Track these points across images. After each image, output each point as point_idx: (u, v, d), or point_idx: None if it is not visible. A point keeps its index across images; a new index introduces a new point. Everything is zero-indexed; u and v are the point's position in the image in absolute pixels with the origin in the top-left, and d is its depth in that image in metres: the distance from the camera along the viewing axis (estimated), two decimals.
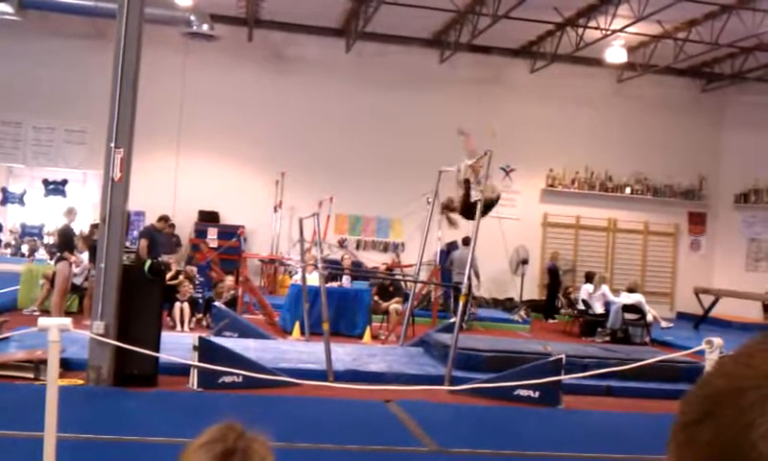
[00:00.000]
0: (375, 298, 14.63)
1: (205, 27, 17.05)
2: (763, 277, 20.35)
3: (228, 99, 18.82)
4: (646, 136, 20.68)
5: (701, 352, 6.38)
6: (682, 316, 19.63)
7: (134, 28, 8.46)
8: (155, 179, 17.59)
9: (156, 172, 17.88)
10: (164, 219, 14.61)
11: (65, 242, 12.52)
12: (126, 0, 8.40)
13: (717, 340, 5.92)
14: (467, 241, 16.04)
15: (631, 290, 15.75)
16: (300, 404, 7.92)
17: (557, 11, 16.60)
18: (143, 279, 8.48)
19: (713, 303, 17.68)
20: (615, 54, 18.23)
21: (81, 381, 8.06)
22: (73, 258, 12.50)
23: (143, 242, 13.49)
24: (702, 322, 17.44)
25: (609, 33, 16.97)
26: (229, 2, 17.77)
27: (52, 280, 12.53)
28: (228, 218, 18.86)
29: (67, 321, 4.91)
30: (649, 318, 15.30)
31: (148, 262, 8.82)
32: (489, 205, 10.59)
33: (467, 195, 10.61)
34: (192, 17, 16.87)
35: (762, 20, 15.30)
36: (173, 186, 18.51)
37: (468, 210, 10.66)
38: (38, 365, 8.08)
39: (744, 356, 0.68)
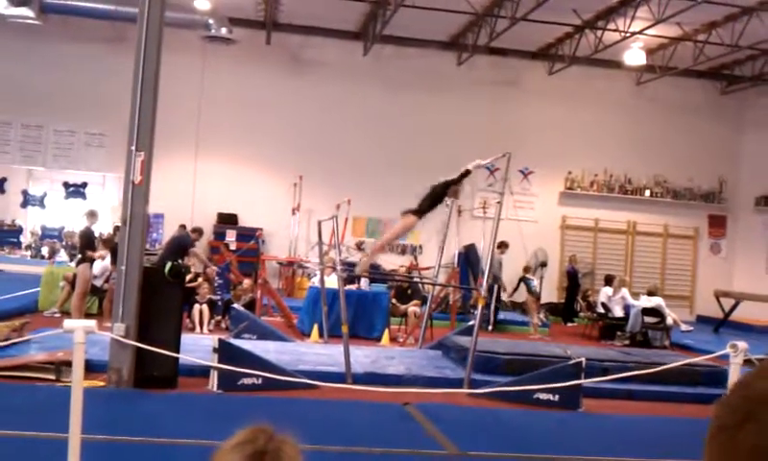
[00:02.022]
0: (393, 300, 14.62)
1: (224, 30, 17.14)
2: None
3: (247, 102, 18.89)
4: (665, 139, 20.55)
5: (724, 357, 6.32)
6: (702, 319, 19.48)
7: (155, 32, 8.50)
8: (174, 181, 17.68)
9: (176, 174, 17.98)
10: (198, 231, 14.60)
11: (86, 244, 12.59)
12: (146, 4, 8.45)
13: (742, 344, 5.87)
14: (501, 245, 16.02)
15: (650, 293, 15.64)
16: (320, 406, 7.92)
17: (575, 13, 16.54)
18: (163, 281, 8.52)
19: (734, 307, 17.54)
20: (634, 56, 18.13)
21: (101, 383, 8.10)
22: (97, 254, 12.58)
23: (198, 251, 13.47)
24: (722, 325, 17.31)
25: (628, 35, 16.89)
26: (248, 5, 17.84)
27: (72, 282, 12.61)
28: (246, 220, 18.92)
29: (92, 323, 4.95)
30: (669, 321, 15.19)
31: (168, 264, 8.85)
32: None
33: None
34: (211, 21, 16.96)
35: None
36: (192, 189, 18.61)
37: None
38: (60, 367, 8.14)
39: None
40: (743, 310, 17.62)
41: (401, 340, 13.31)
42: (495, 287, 16.15)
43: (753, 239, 21.12)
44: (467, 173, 10.44)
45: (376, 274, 16.05)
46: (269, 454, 1.48)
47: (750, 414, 0.65)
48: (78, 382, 4.51)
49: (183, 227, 15.23)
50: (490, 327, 15.49)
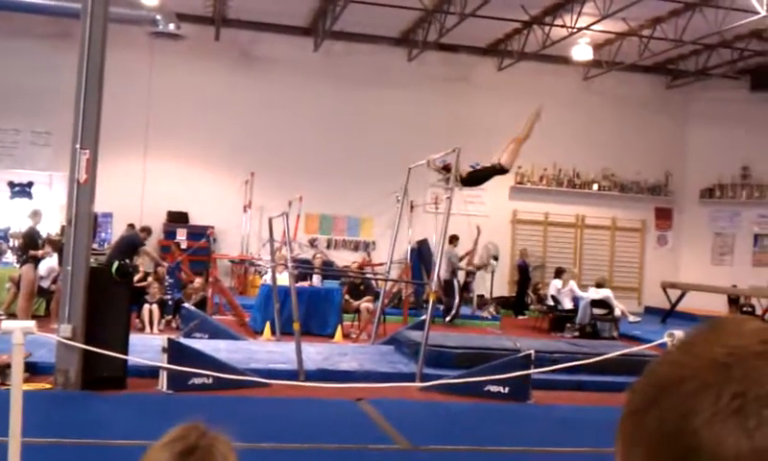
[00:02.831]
0: (346, 297, 14.63)
1: (172, 26, 16.93)
2: (728, 270, 20.69)
3: (196, 99, 18.70)
4: (613, 133, 20.90)
5: (664, 345, 6.49)
6: (649, 310, 19.87)
7: (99, 27, 8.38)
8: (122, 180, 17.44)
9: (124, 173, 17.73)
10: (147, 230, 14.42)
11: (29, 244, 12.37)
12: (90, 0, 8.31)
13: (678, 333, 6.01)
14: (451, 240, 16.20)
15: (599, 285, 15.91)
16: (271, 404, 7.91)
17: (523, 9, 16.71)
18: (110, 281, 8.41)
19: (680, 298, 17.92)
20: (581, 51, 18.40)
21: (48, 385, 7.97)
22: (40, 253, 12.35)
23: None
24: (669, 316, 17.66)
25: (575, 31, 17.14)
26: (196, 1, 17.65)
27: (18, 284, 12.36)
28: (197, 219, 18.73)
29: (31, 324, 4.86)
30: (617, 313, 15.47)
31: (115, 264, 8.73)
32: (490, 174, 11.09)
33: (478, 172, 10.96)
34: (158, 17, 16.74)
35: (725, 17, 15.53)
36: (141, 187, 18.36)
37: (472, 180, 11.00)
38: (4, 369, 7.97)
39: (687, 345, 0.69)
40: (689, 301, 18.01)
41: (354, 336, 13.32)
42: (456, 281, 16.29)
43: (698, 231, 21.61)
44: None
45: (329, 270, 16.05)
46: (200, 450, 1.49)
47: (652, 400, 0.67)
48: (17, 384, 4.43)
49: (132, 226, 15.03)
50: (447, 319, 15.60)
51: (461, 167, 10.84)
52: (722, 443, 0.62)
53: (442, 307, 15.71)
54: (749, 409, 0.62)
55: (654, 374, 0.69)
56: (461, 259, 16.99)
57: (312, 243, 19.31)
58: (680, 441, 0.64)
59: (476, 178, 11.07)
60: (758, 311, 18.79)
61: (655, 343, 8.10)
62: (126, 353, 7.99)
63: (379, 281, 14.56)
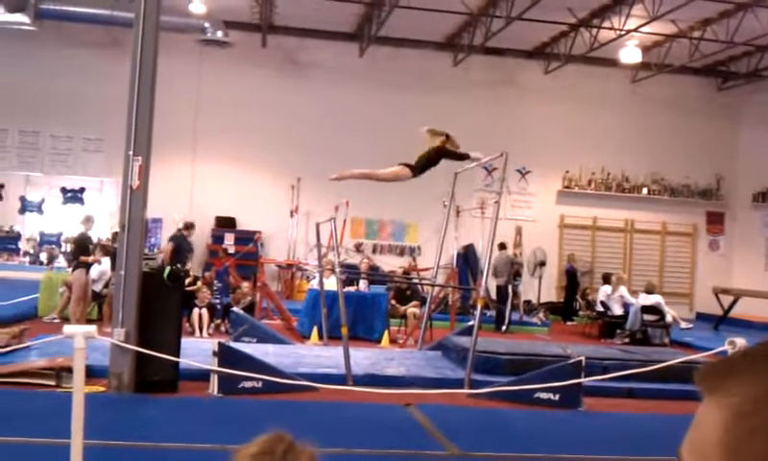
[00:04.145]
0: (393, 302, 14.62)
1: (220, 34, 17.15)
2: None
3: (243, 105, 18.89)
4: (662, 136, 20.57)
5: (723, 353, 6.34)
6: (701, 317, 19.50)
7: (151, 36, 8.50)
8: (171, 185, 17.68)
9: (173, 178, 17.97)
10: (190, 226, 14.60)
11: (81, 250, 12.60)
12: (142, 9, 8.45)
13: (740, 340, 5.88)
14: (502, 246, 16.14)
15: (648, 291, 15.65)
16: (320, 408, 7.92)
17: (570, 11, 16.57)
18: (162, 285, 8.53)
19: (733, 303, 17.55)
20: (630, 54, 18.16)
21: (102, 388, 8.10)
22: (92, 259, 12.57)
23: (169, 246, 13.45)
24: (722, 322, 17.31)
25: (623, 33, 16.92)
26: (243, 8, 17.84)
27: (71, 288, 12.60)
28: (244, 224, 18.92)
29: (92, 328, 4.95)
30: (668, 319, 15.20)
31: (167, 269, 8.85)
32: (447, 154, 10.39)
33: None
34: (206, 24, 16.97)
35: None
36: (189, 192, 18.61)
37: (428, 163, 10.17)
38: (60, 372, 8.13)
39: None
40: (742, 307, 17.63)
41: (401, 341, 13.31)
42: (510, 287, 16.18)
43: (751, 235, 21.14)
44: (465, 156, 10.47)
45: (376, 275, 16.05)
46: None
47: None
48: (79, 387, 4.51)
49: (190, 225, 15.15)
50: (503, 328, 15.50)
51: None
52: None
53: (490, 314, 15.61)
54: None
55: None
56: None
57: (358, 248, 19.35)
58: None
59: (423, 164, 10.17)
60: None
61: (714, 351, 7.90)
62: (177, 357, 8.08)
63: (426, 286, 14.52)
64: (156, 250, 16.91)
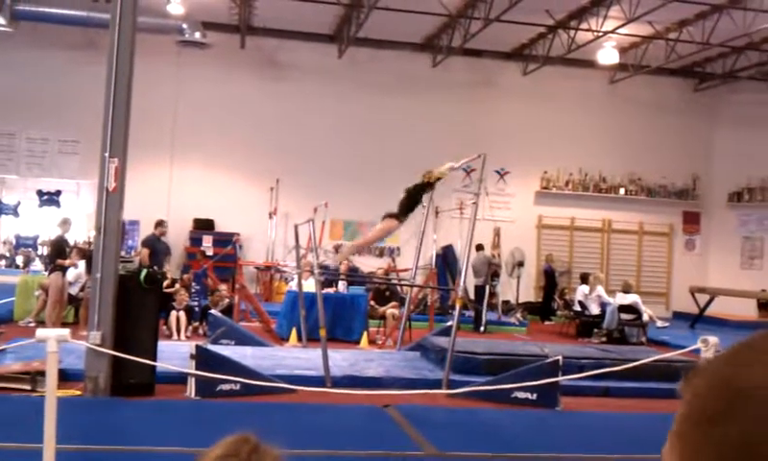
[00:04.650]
0: (372, 303, 14.63)
1: (198, 35, 17.08)
2: (758, 274, 20.43)
3: (222, 106, 18.83)
4: (639, 137, 20.73)
5: (697, 352, 6.41)
6: (678, 315, 19.68)
7: (127, 37, 8.45)
8: (149, 187, 17.58)
9: (151, 180, 17.88)
10: (159, 223, 14.59)
11: (57, 253, 12.50)
12: (118, 10, 8.39)
13: (712, 339, 5.95)
14: (480, 247, 16.22)
15: (626, 290, 15.78)
16: (299, 411, 7.91)
17: (548, 13, 16.66)
18: (139, 288, 8.47)
19: (709, 302, 17.73)
20: (607, 55, 18.30)
21: (78, 392, 8.04)
22: (68, 262, 12.48)
23: (144, 251, 13.46)
24: (698, 321, 17.48)
25: (600, 34, 17.04)
26: (221, 9, 17.78)
27: (47, 291, 12.50)
28: (223, 226, 18.85)
29: (65, 332, 4.91)
30: (645, 318, 15.33)
31: (144, 271, 8.80)
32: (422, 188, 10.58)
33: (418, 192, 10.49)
34: (184, 25, 16.90)
35: (753, 19, 15.36)
36: (167, 194, 18.51)
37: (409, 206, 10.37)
38: (35, 376, 8.06)
39: (761, 345, 0.66)
40: (718, 305, 17.82)
41: (380, 342, 13.32)
42: (487, 288, 16.25)
43: (727, 235, 21.37)
44: (437, 179, 10.61)
45: (355, 276, 16.06)
46: None
47: (731, 406, 0.63)
48: (52, 391, 4.48)
49: (160, 223, 15.11)
50: (481, 329, 15.56)
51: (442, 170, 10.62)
52: None
53: (468, 314, 15.67)
54: None
55: (722, 377, 0.65)
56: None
57: (337, 249, 19.33)
58: (763, 451, 0.60)
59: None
60: None
61: (688, 349, 7.99)
62: (154, 360, 8.03)
63: (405, 287, 14.55)
64: (132, 252, 16.81)
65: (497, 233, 18.37)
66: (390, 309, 14.60)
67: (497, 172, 19.73)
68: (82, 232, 16.74)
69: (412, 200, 10.23)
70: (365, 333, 13.24)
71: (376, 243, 11.02)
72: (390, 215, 10.23)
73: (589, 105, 20.53)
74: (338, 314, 13.47)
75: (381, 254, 19.78)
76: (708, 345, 5.75)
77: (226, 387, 8.23)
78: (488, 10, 15.80)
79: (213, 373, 8.06)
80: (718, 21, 16.07)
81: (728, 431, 0.62)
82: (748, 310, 18.88)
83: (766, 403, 0.61)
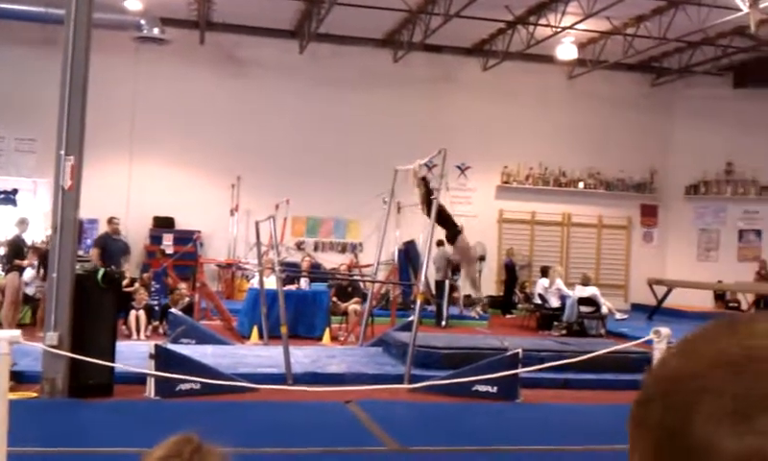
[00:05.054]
0: (334, 299, 14.63)
1: (156, 31, 16.89)
2: (714, 266, 20.82)
3: (182, 103, 18.65)
4: (598, 131, 20.98)
5: (650, 342, 6.54)
6: (636, 307, 19.96)
7: (83, 33, 8.35)
8: (108, 185, 17.37)
9: (110, 178, 17.66)
10: (110, 221, 14.45)
11: (15, 253, 12.31)
12: (73, 6, 8.29)
13: (665, 330, 6.08)
14: (440, 243, 16.27)
15: (584, 283, 15.98)
16: (259, 409, 7.90)
17: (508, 9, 16.77)
18: (97, 287, 8.37)
19: (666, 294, 18.02)
20: (566, 50, 18.47)
21: (35, 394, 7.93)
22: (26, 262, 12.30)
23: (94, 251, 13.35)
24: (656, 312, 17.74)
25: (559, 30, 17.22)
26: (180, 5, 17.60)
27: (3, 292, 12.30)
28: (183, 223, 18.69)
29: (17, 333, 4.85)
30: (604, 310, 15.54)
31: (101, 271, 8.70)
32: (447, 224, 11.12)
33: (428, 192, 10.95)
34: (142, 21, 16.70)
35: (708, 15, 15.63)
36: (126, 192, 18.31)
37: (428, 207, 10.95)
38: None
39: (701, 340, 0.69)
40: (675, 297, 18.12)
41: (342, 338, 13.33)
42: (446, 282, 16.35)
43: (683, 227, 21.74)
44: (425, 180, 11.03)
45: (317, 273, 16.05)
46: None
47: (659, 392, 0.67)
48: (3, 393, 4.42)
49: (109, 220, 14.97)
50: (443, 323, 15.64)
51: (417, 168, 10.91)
52: (714, 443, 0.62)
53: (430, 309, 15.75)
54: (745, 411, 0.61)
55: (665, 366, 0.69)
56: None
57: (299, 246, 19.31)
58: (678, 437, 0.64)
59: (439, 216, 10.83)
60: (744, 306, 18.95)
61: (641, 340, 8.14)
62: (113, 360, 7.96)
63: (367, 283, 14.57)
64: (90, 251, 16.59)
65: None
66: (352, 305, 14.62)
67: (458, 167, 19.83)
68: (39, 232, 16.47)
69: (431, 205, 10.68)
70: (327, 330, 13.24)
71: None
72: (455, 234, 11.27)
73: (549, 100, 20.72)
74: (300, 311, 13.45)
75: (344, 250, 19.79)
76: (661, 336, 5.87)
77: (186, 387, 8.18)
78: (448, 5, 15.86)
79: (173, 372, 8.01)
80: (674, 17, 16.33)
81: (653, 415, 0.66)
82: (705, 301, 19.24)
83: (685, 392, 0.65)
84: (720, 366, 0.65)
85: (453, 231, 11.36)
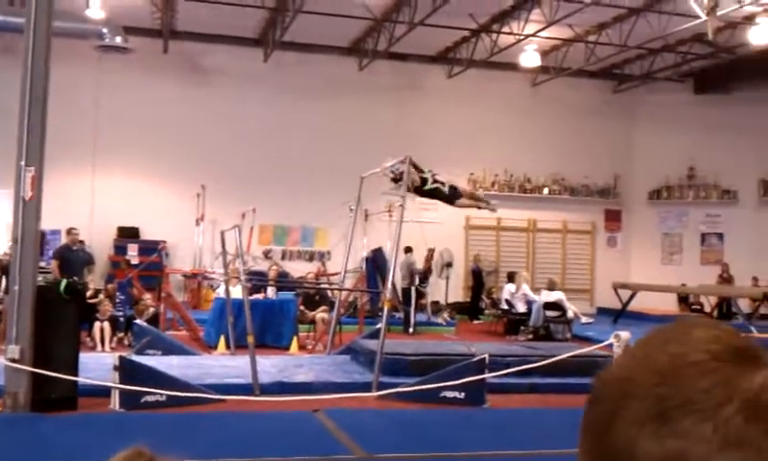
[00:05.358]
0: (302, 308, 14.58)
1: (119, 39, 16.73)
2: (677, 269, 21.13)
3: (145, 112, 18.50)
4: (562, 138, 21.20)
5: (611, 346, 6.62)
6: (602, 311, 20.15)
7: (43, 42, 8.25)
8: (71, 195, 17.17)
9: (73, 188, 17.46)
10: (69, 231, 14.31)
11: None
12: (33, 14, 8.18)
13: (624, 334, 6.18)
14: (408, 249, 16.35)
15: (551, 288, 16.12)
16: (226, 420, 7.84)
17: (471, 17, 16.90)
18: (59, 299, 8.26)
19: (631, 298, 18.23)
20: (529, 58, 18.66)
21: None
22: None
23: (53, 263, 13.21)
24: (621, 316, 17.93)
25: (522, 38, 17.39)
26: (143, 14, 17.46)
27: None
28: (148, 233, 18.52)
29: None
30: (570, 314, 15.69)
31: (64, 282, 8.59)
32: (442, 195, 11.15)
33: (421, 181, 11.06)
34: (104, 30, 16.53)
35: (668, 22, 15.90)
36: (90, 202, 18.10)
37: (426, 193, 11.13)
38: None
39: (638, 347, 0.71)
40: (640, 300, 18.34)
41: (310, 347, 13.29)
42: (413, 289, 16.39)
43: (647, 232, 22.04)
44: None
45: (284, 282, 15.98)
46: None
47: (598, 396, 0.69)
48: None
49: (68, 231, 14.84)
50: (410, 330, 15.66)
51: (413, 173, 10.87)
52: (637, 446, 0.64)
53: (398, 316, 15.76)
54: (667, 416, 0.63)
55: (607, 371, 0.72)
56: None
57: (266, 255, 19.20)
58: (604, 439, 0.66)
59: (430, 192, 11.08)
60: (707, 309, 19.24)
61: (603, 344, 8.24)
62: (76, 373, 7.86)
63: (334, 291, 14.55)
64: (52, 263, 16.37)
65: (430, 255, 18.45)
66: (320, 314, 14.57)
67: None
68: (1, 243, 16.21)
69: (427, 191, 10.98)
70: (295, 339, 13.19)
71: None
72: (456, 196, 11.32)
73: (513, 107, 20.89)
74: (267, 320, 13.38)
75: (312, 259, 19.75)
76: (621, 339, 5.96)
77: (151, 398, 8.09)
78: (412, 13, 15.95)
79: (138, 384, 7.92)
80: (635, 24, 16.58)
81: (591, 416, 0.69)
82: (669, 304, 19.50)
83: (616, 396, 0.67)
84: (647, 371, 0.67)
85: (455, 195, 11.49)
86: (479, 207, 12.13)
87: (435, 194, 11.23)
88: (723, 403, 0.63)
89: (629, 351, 0.72)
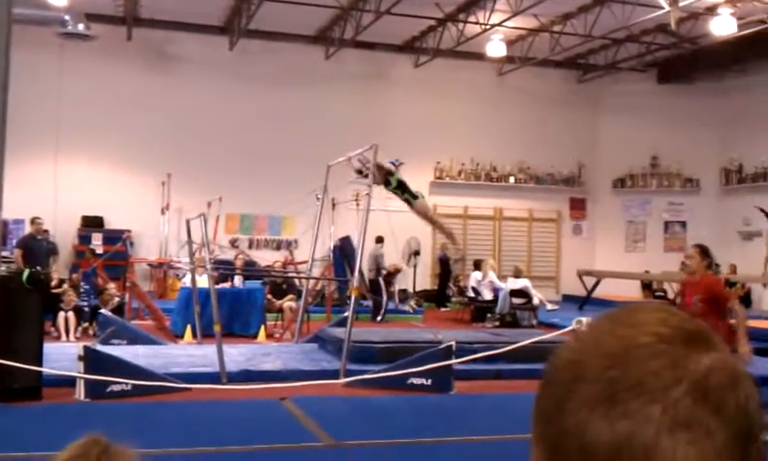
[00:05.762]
0: (269, 296, 14.54)
1: (81, 26, 16.49)
2: (641, 256, 21.43)
3: (109, 100, 18.28)
4: (528, 127, 21.34)
5: (571, 332, 6.73)
6: (567, 298, 20.40)
7: (3, 29, 8.12)
8: (34, 184, 16.93)
9: (35, 177, 17.22)
10: (32, 221, 14.14)
11: None
12: None
13: (585, 319, 6.27)
14: (379, 239, 16.38)
15: (517, 275, 16.27)
16: (192, 408, 7.83)
17: (438, 6, 16.93)
18: (22, 289, 8.16)
19: (595, 285, 18.45)
20: (495, 48, 18.74)
21: None
22: None
23: (17, 252, 13.04)
24: (586, 303, 18.15)
25: (488, 27, 17.45)
26: (106, 1, 17.23)
27: None
28: (113, 222, 18.33)
29: None
30: (535, 301, 15.85)
31: (26, 272, 8.48)
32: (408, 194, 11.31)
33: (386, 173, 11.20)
34: (66, 17, 16.28)
35: (632, 12, 16.06)
36: (53, 192, 17.85)
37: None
38: None
39: (587, 331, 0.73)
40: (605, 287, 18.56)
41: (278, 335, 13.29)
42: (381, 279, 16.44)
43: (611, 220, 22.30)
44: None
45: (251, 270, 15.92)
46: None
47: (548, 380, 0.71)
48: None
49: (32, 220, 14.66)
50: (379, 318, 15.71)
51: (382, 163, 10.95)
52: (586, 429, 0.65)
53: (366, 304, 15.81)
54: (617, 398, 0.65)
55: (557, 356, 0.73)
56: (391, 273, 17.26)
57: (233, 243, 19.11)
58: (556, 423, 0.68)
59: (393, 190, 11.27)
60: (671, 295, 19.52)
61: (565, 330, 8.35)
62: (40, 363, 7.78)
63: (302, 280, 14.54)
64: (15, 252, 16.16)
65: (411, 253, 18.65)
66: (287, 302, 14.56)
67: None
68: None
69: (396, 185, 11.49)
70: (262, 327, 13.17)
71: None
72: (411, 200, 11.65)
73: (479, 96, 20.99)
74: (235, 309, 13.35)
75: (279, 247, 19.69)
76: (582, 325, 6.05)
77: (116, 388, 8.05)
78: (379, 2, 15.93)
79: (103, 374, 7.87)
80: (599, 14, 16.72)
81: (542, 400, 0.71)
82: (633, 291, 19.77)
83: (565, 380, 0.69)
84: (597, 355, 0.68)
85: (412, 197, 11.67)
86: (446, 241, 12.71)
87: (396, 193, 11.37)
88: (671, 385, 0.64)
89: (578, 335, 0.74)
